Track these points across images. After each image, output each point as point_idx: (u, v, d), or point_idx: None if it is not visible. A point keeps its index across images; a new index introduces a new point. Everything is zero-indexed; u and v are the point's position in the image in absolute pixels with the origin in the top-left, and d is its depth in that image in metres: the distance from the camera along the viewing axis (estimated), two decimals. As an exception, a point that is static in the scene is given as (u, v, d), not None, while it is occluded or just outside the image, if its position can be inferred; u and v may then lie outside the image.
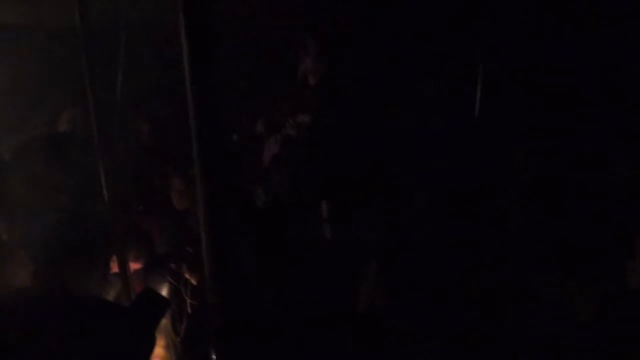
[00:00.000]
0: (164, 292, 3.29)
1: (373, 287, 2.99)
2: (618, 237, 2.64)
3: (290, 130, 3.76)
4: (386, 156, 3.60)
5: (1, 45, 4.94)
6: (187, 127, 4.13)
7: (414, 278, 2.93)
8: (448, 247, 2.99)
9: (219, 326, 1.28)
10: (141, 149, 4.58)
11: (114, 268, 3.38)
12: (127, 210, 3.72)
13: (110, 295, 3.36)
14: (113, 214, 3.10)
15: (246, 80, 4.89)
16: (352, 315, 2.90)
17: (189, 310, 3.10)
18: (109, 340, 2.20)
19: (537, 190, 3.24)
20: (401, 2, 4.09)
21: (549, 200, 3.13)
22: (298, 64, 3.89)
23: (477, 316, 2.80)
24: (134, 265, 3.31)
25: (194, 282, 3.07)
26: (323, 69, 3.76)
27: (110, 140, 3.22)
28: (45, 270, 3.01)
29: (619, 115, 3.39)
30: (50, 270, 2.84)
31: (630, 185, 2.99)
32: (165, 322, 3.14)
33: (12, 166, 3.91)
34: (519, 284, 2.82)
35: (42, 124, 4.89)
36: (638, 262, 2.48)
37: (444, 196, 3.33)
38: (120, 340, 2.23)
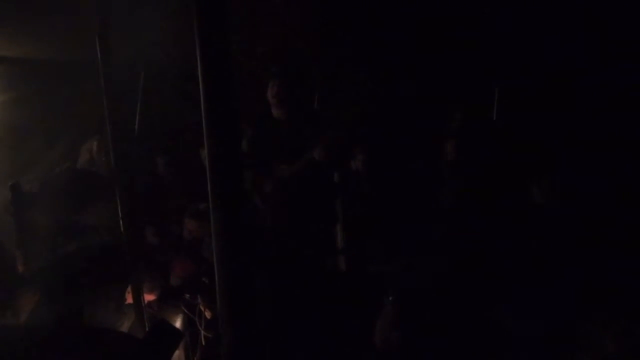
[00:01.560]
0: (178, 323, 3.28)
1: (388, 323, 2.96)
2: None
3: (300, 166, 3.74)
4: (403, 190, 3.61)
5: (21, 80, 5.11)
6: (200, 162, 4.15)
7: (430, 315, 2.89)
8: (467, 283, 2.96)
9: (232, 357, 1.27)
10: (156, 181, 4.63)
11: (129, 299, 3.39)
12: (142, 242, 3.75)
13: (125, 325, 3.36)
14: (129, 245, 3.12)
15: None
16: (368, 350, 2.85)
17: (203, 342, 3.08)
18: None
19: (555, 224, 3.21)
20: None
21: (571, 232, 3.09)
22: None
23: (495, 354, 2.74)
24: (149, 297, 3.31)
25: (208, 314, 3.06)
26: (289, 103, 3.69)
27: (127, 173, 3.26)
28: (59, 302, 3.03)
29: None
30: (65, 302, 2.86)
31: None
32: (178, 353, 3.12)
33: (35, 199, 3.96)
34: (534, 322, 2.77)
35: (59, 156, 4.99)
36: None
37: (462, 231, 3.32)
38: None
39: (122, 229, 3.14)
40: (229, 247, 1.20)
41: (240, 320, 1.25)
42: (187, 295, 3.19)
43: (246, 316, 1.26)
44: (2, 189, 4.87)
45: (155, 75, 4.96)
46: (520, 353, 2.65)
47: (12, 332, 2.80)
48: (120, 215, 3.13)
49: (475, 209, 3.42)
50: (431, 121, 3.97)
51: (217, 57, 1.22)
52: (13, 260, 3.69)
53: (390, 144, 3.91)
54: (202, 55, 1.23)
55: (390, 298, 2.92)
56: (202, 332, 3.06)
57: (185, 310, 3.17)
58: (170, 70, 4.93)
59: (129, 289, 3.33)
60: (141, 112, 4.94)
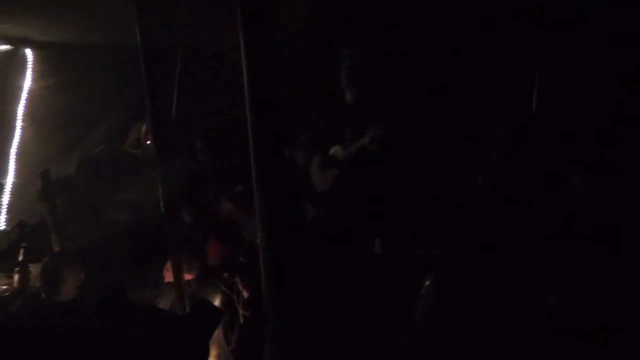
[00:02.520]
0: (217, 302, 3.36)
1: (428, 304, 2.97)
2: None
3: (339, 150, 3.78)
4: (442, 170, 3.59)
5: (63, 65, 5.23)
6: (239, 144, 4.21)
7: (470, 294, 2.88)
8: (507, 262, 2.94)
9: (275, 338, 1.29)
10: (195, 164, 4.70)
11: (168, 277, 3.48)
12: (181, 223, 3.82)
13: (162, 303, 3.45)
14: (169, 225, 3.20)
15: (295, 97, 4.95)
16: (408, 332, 2.87)
17: (241, 321, 3.14)
18: (166, 347, 2.26)
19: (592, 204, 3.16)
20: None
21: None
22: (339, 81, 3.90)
23: (535, 336, 2.72)
24: (187, 276, 3.39)
25: (246, 293, 3.11)
26: (360, 87, 3.73)
27: (167, 155, 3.33)
28: (103, 279, 3.13)
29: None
30: (109, 279, 2.96)
31: None
32: (217, 331, 3.19)
33: (76, 180, 4.08)
34: (578, 303, 2.74)
35: (101, 139, 5.11)
36: None
37: (503, 210, 3.29)
38: (177, 348, 2.28)
39: (161, 209, 3.22)
40: (274, 229, 1.22)
41: (284, 302, 1.28)
42: (226, 275, 3.26)
43: (290, 297, 1.28)
44: (50, 169, 5.04)
45: (193, 59, 5.01)
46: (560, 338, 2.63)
47: (58, 309, 2.91)
48: (160, 196, 3.21)
49: (515, 194, 3.38)
50: (473, 106, 3.92)
51: (261, 41, 1.23)
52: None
53: (429, 128, 3.87)
54: (246, 40, 1.24)
55: (429, 281, 2.92)
56: (241, 311, 3.12)
57: (224, 289, 3.24)
58: (208, 54, 4.97)
59: (167, 266, 3.42)
60: (179, 96, 5.00)
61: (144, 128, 4.54)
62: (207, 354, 2.46)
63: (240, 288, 3.14)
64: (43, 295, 3.20)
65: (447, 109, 3.99)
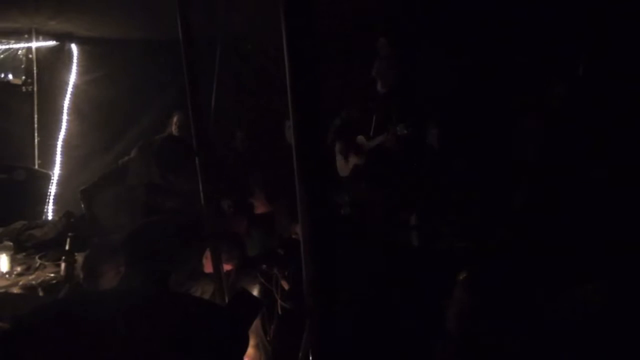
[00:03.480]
0: (255, 293, 3.38)
1: (461, 300, 2.93)
2: None
3: (363, 139, 3.76)
4: (482, 164, 3.53)
5: (107, 59, 5.36)
6: (277, 134, 4.23)
7: (504, 292, 2.83)
8: (544, 261, 2.88)
9: (317, 329, 1.30)
10: (234, 155, 4.75)
11: (207, 268, 3.53)
12: (220, 213, 3.87)
13: (199, 293, 3.51)
14: (208, 215, 3.24)
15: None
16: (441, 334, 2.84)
17: (279, 312, 3.16)
18: (206, 336, 2.28)
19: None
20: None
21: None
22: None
23: (572, 335, 2.66)
24: (226, 267, 3.43)
25: (284, 284, 3.13)
26: (390, 77, 3.70)
27: (207, 145, 3.37)
28: (146, 268, 3.19)
29: None
30: (151, 268, 3.01)
31: None
32: (255, 322, 3.23)
33: (134, 163, 4.18)
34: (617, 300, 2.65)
35: (143, 131, 5.22)
36: None
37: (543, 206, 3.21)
38: (217, 337, 2.31)
39: (202, 200, 3.27)
40: (315, 221, 1.22)
41: (324, 293, 1.28)
42: (264, 266, 3.28)
43: (332, 292, 1.28)
44: (94, 161, 5.20)
45: (232, 51, 5.05)
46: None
47: (101, 298, 2.99)
48: (200, 186, 3.26)
49: (558, 186, 3.30)
50: (517, 96, 3.83)
51: (304, 35, 1.23)
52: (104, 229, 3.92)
53: (469, 118, 3.81)
54: (288, 34, 1.23)
55: (461, 278, 2.88)
56: (279, 302, 3.14)
57: (262, 281, 3.26)
58: (247, 46, 5.01)
59: (207, 256, 3.47)
60: (218, 87, 5.06)
61: (175, 119, 4.64)
62: (246, 344, 2.48)
63: (279, 279, 3.16)
64: (84, 285, 3.30)
65: (483, 101, 3.91)
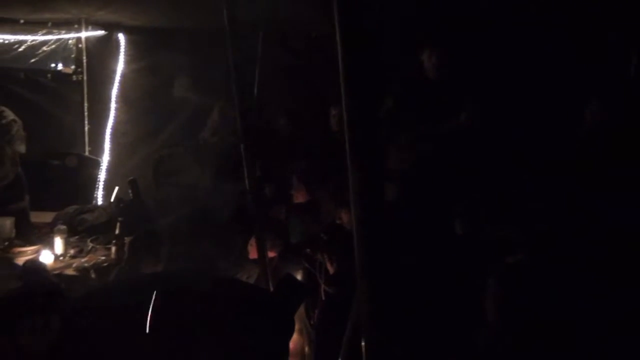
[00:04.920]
0: (298, 278, 3.42)
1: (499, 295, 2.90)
2: None
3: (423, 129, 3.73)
4: (529, 158, 3.46)
5: (154, 48, 5.47)
6: (321, 121, 4.23)
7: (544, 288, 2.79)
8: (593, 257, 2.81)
9: (369, 314, 1.31)
10: (278, 141, 4.78)
11: (252, 254, 3.60)
12: (263, 200, 3.92)
13: (243, 278, 3.58)
14: (253, 203, 3.30)
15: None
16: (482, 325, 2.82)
17: (323, 296, 3.19)
18: (253, 321, 2.34)
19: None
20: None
21: None
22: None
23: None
24: (270, 253, 3.49)
25: (329, 269, 3.16)
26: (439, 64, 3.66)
27: (255, 133, 3.42)
28: (189, 254, 3.29)
29: None
30: (194, 254, 3.10)
31: None
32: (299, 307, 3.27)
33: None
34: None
35: (187, 120, 5.33)
36: None
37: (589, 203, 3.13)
38: (264, 322, 2.36)
39: (247, 187, 3.33)
40: (368, 208, 1.23)
41: (376, 278, 1.29)
42: (308, 251, 3.31)
43: (381, 273, 1.30)
44: (140, 148, 5.34)
45: (275, 38, 5.07)
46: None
47: (149, 280, 3.08)
48: (245, 174, 3.31)
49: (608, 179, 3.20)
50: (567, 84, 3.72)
51: (358, 22, 1.23)
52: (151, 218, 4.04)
53: (518, 102, 3.72)
54: (341, 22, 1.24)
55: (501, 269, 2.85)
56: (323, 287, 3.17)
57: (306, 265, 3.29)
58: (289, 33, 5.03)
59: (252, 242, 3.54)
60: (260, 74, 5.08)
61: (216, 112, 4.76)
62: (292, 329, 2.53)
63: (323, 264, 3.19)
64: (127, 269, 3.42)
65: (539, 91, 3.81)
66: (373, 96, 1.23)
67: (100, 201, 5.23)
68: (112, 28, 5.41)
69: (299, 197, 3.97)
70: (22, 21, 5.05)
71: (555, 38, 3.82)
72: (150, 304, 2.42)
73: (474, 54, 3.79)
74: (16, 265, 3.67)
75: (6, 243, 3.93)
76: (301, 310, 3.35)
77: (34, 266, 3.42)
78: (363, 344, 1.29)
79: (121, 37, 5.47)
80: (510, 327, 2.61)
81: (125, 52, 5.48)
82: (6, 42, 5.11)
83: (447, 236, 3.58)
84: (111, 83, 5.44)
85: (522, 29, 3.89)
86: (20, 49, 5.16)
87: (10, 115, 4.36)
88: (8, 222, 4.00)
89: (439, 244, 3.37)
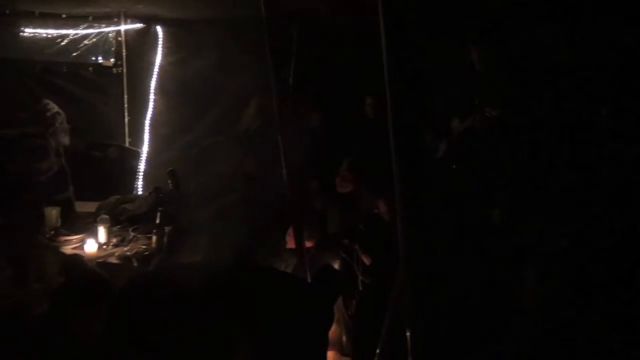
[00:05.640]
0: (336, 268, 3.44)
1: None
2: None
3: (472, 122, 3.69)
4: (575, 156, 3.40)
5: (190, 40, 5.53)
6: (356, 114, 4.21)
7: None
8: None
9: (415, 304, 1.32)
10: (312, 135, 4.79)
11: (290, 244, 3.63)
12: (302, 192, 3.94)
13: (282, 268, 3.61)
14: (291, 193, 3.31)
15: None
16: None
17: (360, 287, 3.20)
18: (293, 312, 2.36)
19: None
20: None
21: None
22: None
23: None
24: (308, 243, 3.51)
25: (366, 259, 3.16)
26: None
27: (288, 126, 3.43)
28: (234, 242, 3.33)
29: None
30: (239, 242, 3.14)
31: None
32: (337, 296, 3.28)
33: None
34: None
35: (224, 111, 5.38)
36: None
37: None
38: (304, 312, 2.37)
39: (284, 178, 3.35)
40: (413, 199, 1.23)
41: (419, 268, 1.29)
42: (345, 241, 3.32)
43: (427, 270, 1.30)
44: (178, 139, 5.43)
45: (310, 29, 5.05)
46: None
47: (193, 269, 3.14)
48: (282, 165, 3.33)
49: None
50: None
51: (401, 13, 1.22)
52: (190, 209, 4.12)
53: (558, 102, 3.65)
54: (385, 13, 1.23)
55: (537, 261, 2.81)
56: (360, 278, 3.18)
57: (344, 255, 3.31)
58: (324, 22, 4.99)
59: (289, 232, 3.56)
60: (295, 65, 5.08)
61: (253, 105, 4.78)
62: (332, 319, 2.55)
63: (360, 255, 3.20)
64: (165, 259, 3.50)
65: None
66: (416, 90, 1.23)
67: (140, 191, 5.34)
68: (150, 21, 5.49)
69: (344, 188, 3.96)
70: (64, 16, 5.17)
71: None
72: (190, 293, 2.47)
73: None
74: (63, 254, 3.81)
75: (52, 232, 4.07)
76: (339, 300, 3.37)
77: (73, 261, 3.51)
78: (408, 334, 1.30)
79: (159, 29, 5.55)
80: (549, 317, 2.58)
81: (162, 44, 5.56)
82: (49, 36, 5.24)
83: (486, 227, 3.55)
84: (150, 75, 5.53)
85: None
86: (63, 43, 5.29)
87: (54, 108, 4.48)
88: (54, 212, 4.13)
89: (477, 235, 3.34)
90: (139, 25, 5.49)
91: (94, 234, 3.96)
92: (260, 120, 4.80)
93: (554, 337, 2.62)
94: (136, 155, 5.44)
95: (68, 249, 3.92)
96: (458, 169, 3.56)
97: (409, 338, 1.33)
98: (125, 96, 5.52)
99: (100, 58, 5.76)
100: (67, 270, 3.32)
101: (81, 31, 5.32)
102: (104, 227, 3.99)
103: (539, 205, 3.38)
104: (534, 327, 2.74)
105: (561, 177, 3.44)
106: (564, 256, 3.01)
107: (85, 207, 4.62)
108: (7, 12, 5.01)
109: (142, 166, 5.46)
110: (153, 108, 5.55)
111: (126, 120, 5.54)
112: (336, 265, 3.38)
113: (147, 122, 5.54)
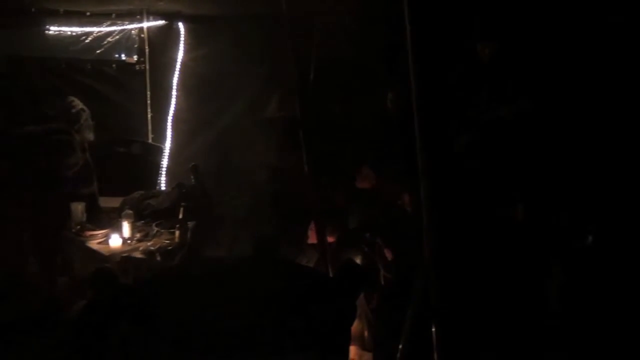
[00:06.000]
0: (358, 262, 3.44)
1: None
2: None
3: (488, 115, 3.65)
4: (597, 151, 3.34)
5: (212, 36, 5.57)
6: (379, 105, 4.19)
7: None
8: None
9: (441, 302, 1.32)
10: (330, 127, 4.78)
11: (312, 239, 3.64)
12: (322, 186, 3.95)
13: (304, 262, 3.63)
14: (313, 189, 3.33)
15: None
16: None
17: (382, 281, 3.20)
18: (318, 306, 2.37)
19: None
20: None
21: None
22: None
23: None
24: (329, 238, 3.52)
25: (388, 254, 3.16)
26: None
27: (310, 120, 3.44)
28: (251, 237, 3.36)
29: None
30: (262, 236, 3.17)
31: None
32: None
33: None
34: None
35: (245, 107, 5.41)
36: None
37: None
38: (328, 306, 2.39)
39: (306, 173, 3.36)
40: (439, 189, 1.22)
41: (445, 267, 1.29)
42: (368, 235, 3.32)
43: (452, 264, 1.29)
44: (200, 135, 5.47)
45: (331, 25, 5.05)
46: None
47: (217, 262, 3.18)
48: (304, 160, 3.35)
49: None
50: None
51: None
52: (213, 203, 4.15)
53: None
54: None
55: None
56: (382, 272, 3.18)
57: (366, 249, 3.31)
58: (345, 17, 4.98)
59: (311, 227, 3.58)
60: (316, 61, 5.08)
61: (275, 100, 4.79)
62: (354, 314, 2.56)
63: (382, 249, 3.20)
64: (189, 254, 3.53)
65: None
66: (442, 82, 1.22)
67: (163, 187, 5.40)
68: (172, 18, 5.54)
69: (365, 184, 3.95)
70: (88, 13, 5.24)
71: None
72: (214, 287, 2.50)
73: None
74: (88, 248, 3.87)
75: (78, 227, 4.14)
76: (361, 295, 3.37)
77: (104, 275, 3.44)
78: (434, 329, 1.30)
79: (181, 26, 5.59)
80: (575, 314, 2.55)
81: (184, 40, 5.59)
82: (74, 34, 5.32)
83: (509, 223, 3.51)
84: (172, 72, 5.58)
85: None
86: (87, 41, 5.36)
87: (79, 104, 4.55)
88: (79, 207, 4.20)
89: (501, 231, 3.31)
90: (161, 22, 5.54)
91: (119, 229, 4.02)
92: (281, 115, 4.81)
93: (580, 334, 2.59)
94: (159, 151, 5.49)
95: (93, 244, 3.98)
96: (482, 162, 3.51)
97: (434, 334, 1.32)
98: (148, 93, 5.57)
99: (123, 55, 5.83)
100: (96, 287, 3.24)
101: (104, 28, 5.39)
102: (128, 222, 4.04)
103: (564, 201, 3.33)
104: (560, 324, 2.71)
105: (588, 172, 3.39)
106: (590, 253, 2.97)
107: (109, 202, 4.68)
108: (33, 10, 5.10)
109: (165, 162, 5.51)
110: (175, 104, 5.59)
111: (149, 116, 5.59)
112: (358, 260, 3.39)
113: (170, 118, 5.58)
